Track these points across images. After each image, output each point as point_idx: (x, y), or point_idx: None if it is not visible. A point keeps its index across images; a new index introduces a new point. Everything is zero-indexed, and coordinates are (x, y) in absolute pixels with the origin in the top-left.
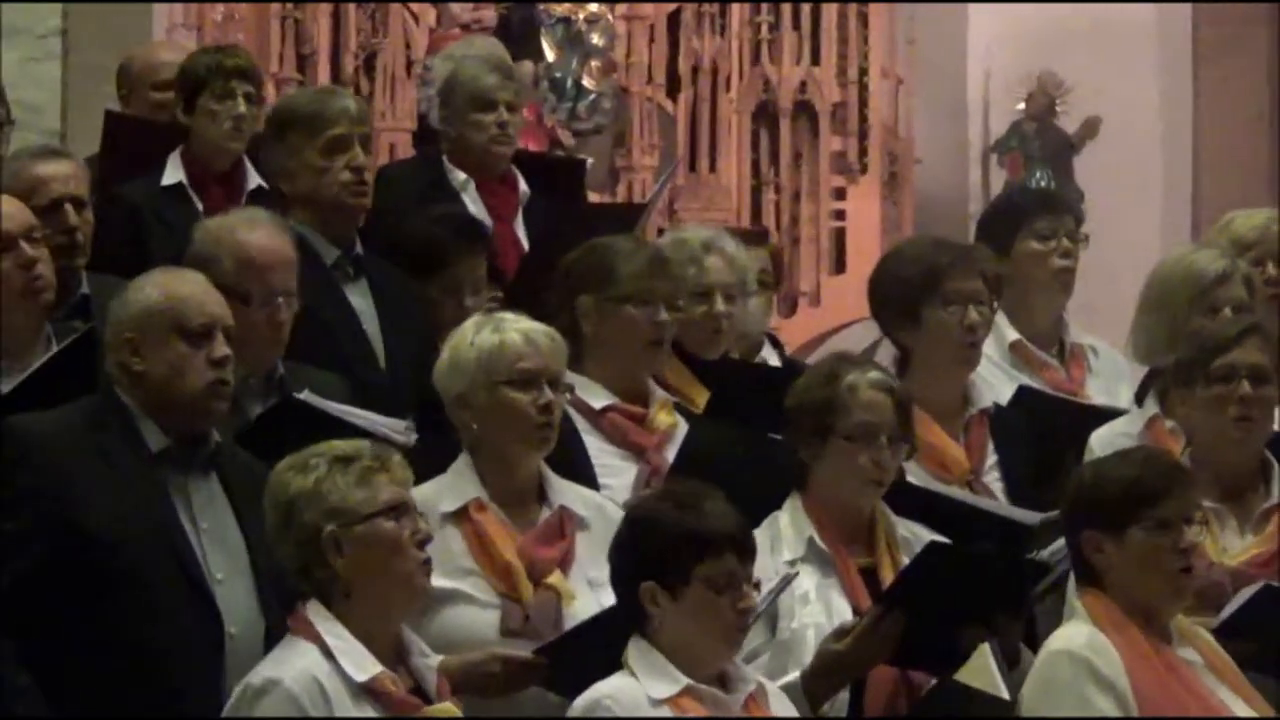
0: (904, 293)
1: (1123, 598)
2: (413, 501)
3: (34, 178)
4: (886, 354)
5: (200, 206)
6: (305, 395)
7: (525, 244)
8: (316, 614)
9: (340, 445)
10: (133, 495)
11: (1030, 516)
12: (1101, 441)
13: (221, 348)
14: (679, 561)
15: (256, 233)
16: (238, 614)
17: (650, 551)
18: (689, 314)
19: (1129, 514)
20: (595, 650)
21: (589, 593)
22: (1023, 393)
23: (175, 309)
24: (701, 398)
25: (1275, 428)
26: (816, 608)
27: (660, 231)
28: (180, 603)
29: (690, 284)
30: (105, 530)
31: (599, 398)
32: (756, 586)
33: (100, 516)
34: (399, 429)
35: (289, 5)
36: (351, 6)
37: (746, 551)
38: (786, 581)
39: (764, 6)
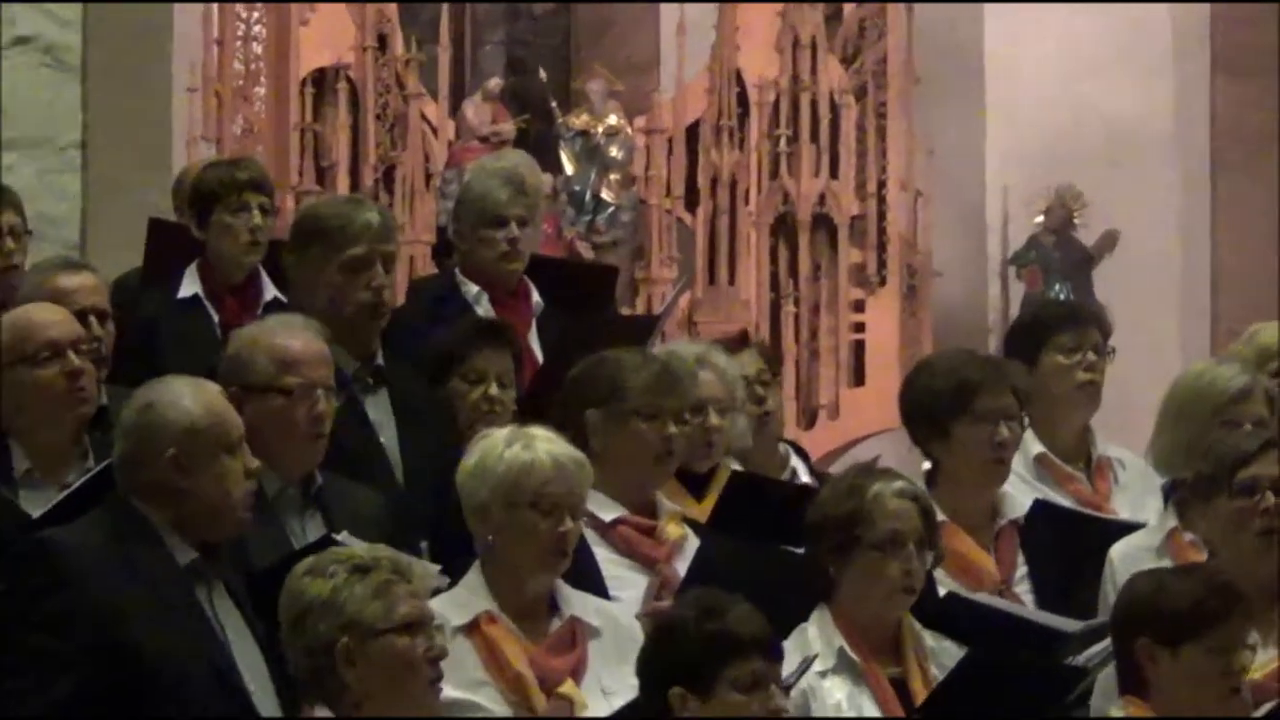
0: (934, 407)
1: (1166, 710)
2: (430, 614)
3: (57, 289)
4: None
5: (216, 318)
6: (343, 536)
7: (539, 356)
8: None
9: (360, 553)
10: (171, 610)
11: (1071, 624)
12: (1121, 555)
13: (252, 458)
14: (707, 665)
15: (292, 332)
16: None
17: (677, 657)
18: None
19: (1189, 631)
20: None
21: (602, 701)
22: (1037, 507)
23: (217, 423)
24: (692, 509)
25: None
26: (849, 718)
27: None
28: (229, 716)
29: (689, 397)
30: (152, 647)
31: (608, 510)
32: (785, 691)
33: (145, 634)
34: (431, 574)
35: (308, 118)
36: (371, 119)
37: (774, 654)
38: (807, 665)
39: (782, 120)
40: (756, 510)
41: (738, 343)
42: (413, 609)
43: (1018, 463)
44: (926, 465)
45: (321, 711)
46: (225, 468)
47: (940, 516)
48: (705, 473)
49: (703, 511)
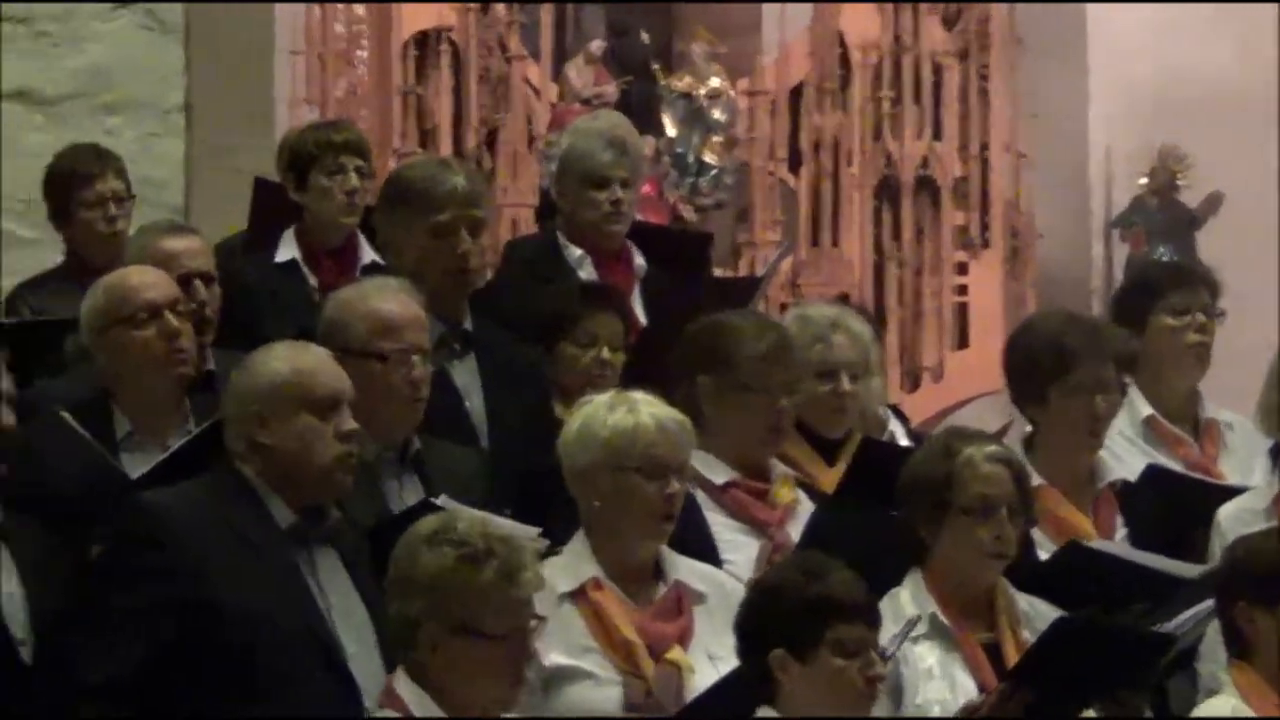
0: (1032, 372)
1: (1271, 670)
2: (526, 620)
3: (162, 253)
4: (1018, 433)
5: (314, 282)
6: (443, 500)
7: (641, 319)
8: (408, 690)
9: (477, 538)
10: (267, 572)
11: (1189, 569)
12: (1229, 517)
13: (349, 421)
14: (809, 627)
15: (386, 295)
16: (370, 687)
17: (779, 619)
18: (813, 392)
19: None
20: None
21: (709, 666)
22: (1151, 472)
23: (302, 382)
24: (823, 474)
25: None
26: (940, 684)
27: (783, 306)
28: (320, 680)
29: (815, 362)
30: (245, 607)
31: (720, 473)
32: (883, 658)
33: (238, 594)
34: (531, 537)
35: (411, 80)
36: (473, 82)
37: (874, 620)
38: (909, 628)
39: (885, 81)
40: (886, 477)
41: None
42: (508, 619)
43: (1126, 425)
44: (1027, 428)
45: (402, 678)
46: (308, 426)
47: (1038, 480)
48: (837, 438)
49: (834, 477)
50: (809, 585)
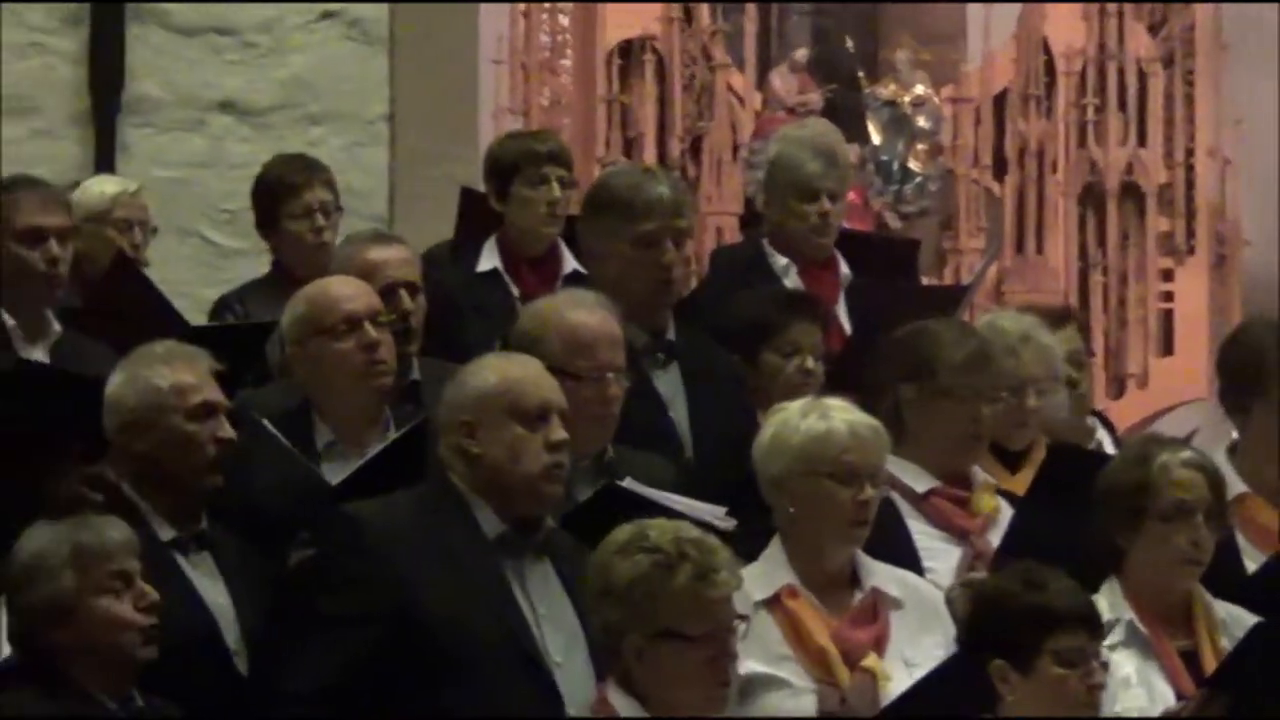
0: (1238, 381)
1: None
2: (728, 618)
3: (367, 263)
4: (1207, 439)
5: (515, 292)
6: (628, 482)
7: (847, 327)
8: (618, 698)
9: (669, 544)
10: (471, 581)
11: None
12: None
13: (558, 431)
14: (1030, 637)
15: (582, 311)
16: (578, 697)
17: (1000, 629)
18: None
19: None
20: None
21: (904, 673)
22: None
23: (512, 392)
24: (1006, 482)
25: None
26: (1138, 692)
27: None
28: (522, 687)
29: (1005, 376)
30: (445, 616)
31: (921, 481)
32: (1105, 667)
33: (439, 602)
34: (718, 515)
35: (615, 89)
36: (678, 90)
37: (1095, 629)
38: (1109, 628)
39: (1089, 88)
40: (1077, 482)
41: (1059, 318)
42: (707, 620)
43: None
44: (1234, 434)
45: (612, 686)
46: (516, 436)
47: (1243, 486)
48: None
49: (1016, 485)
50: (1028, 594)
